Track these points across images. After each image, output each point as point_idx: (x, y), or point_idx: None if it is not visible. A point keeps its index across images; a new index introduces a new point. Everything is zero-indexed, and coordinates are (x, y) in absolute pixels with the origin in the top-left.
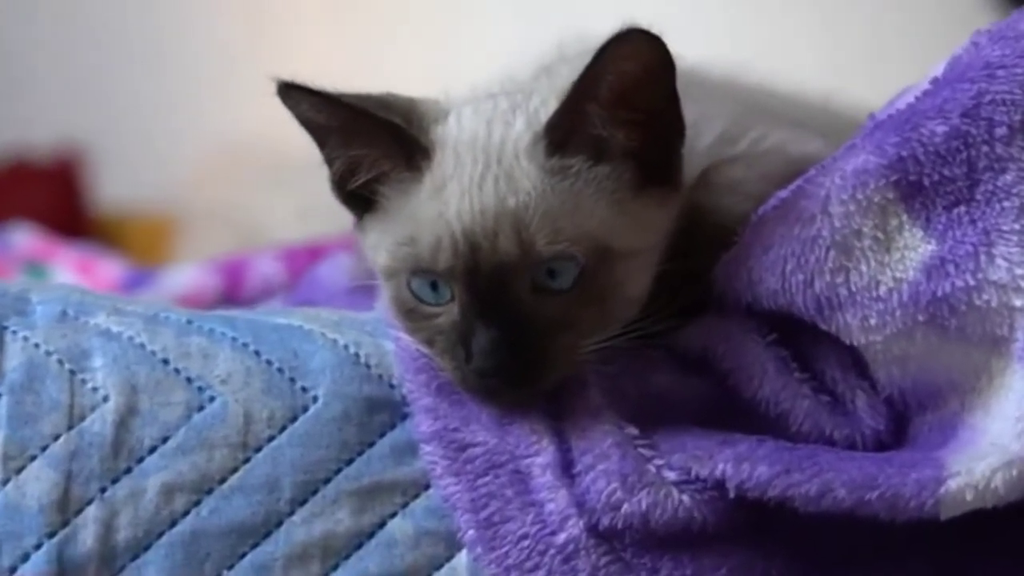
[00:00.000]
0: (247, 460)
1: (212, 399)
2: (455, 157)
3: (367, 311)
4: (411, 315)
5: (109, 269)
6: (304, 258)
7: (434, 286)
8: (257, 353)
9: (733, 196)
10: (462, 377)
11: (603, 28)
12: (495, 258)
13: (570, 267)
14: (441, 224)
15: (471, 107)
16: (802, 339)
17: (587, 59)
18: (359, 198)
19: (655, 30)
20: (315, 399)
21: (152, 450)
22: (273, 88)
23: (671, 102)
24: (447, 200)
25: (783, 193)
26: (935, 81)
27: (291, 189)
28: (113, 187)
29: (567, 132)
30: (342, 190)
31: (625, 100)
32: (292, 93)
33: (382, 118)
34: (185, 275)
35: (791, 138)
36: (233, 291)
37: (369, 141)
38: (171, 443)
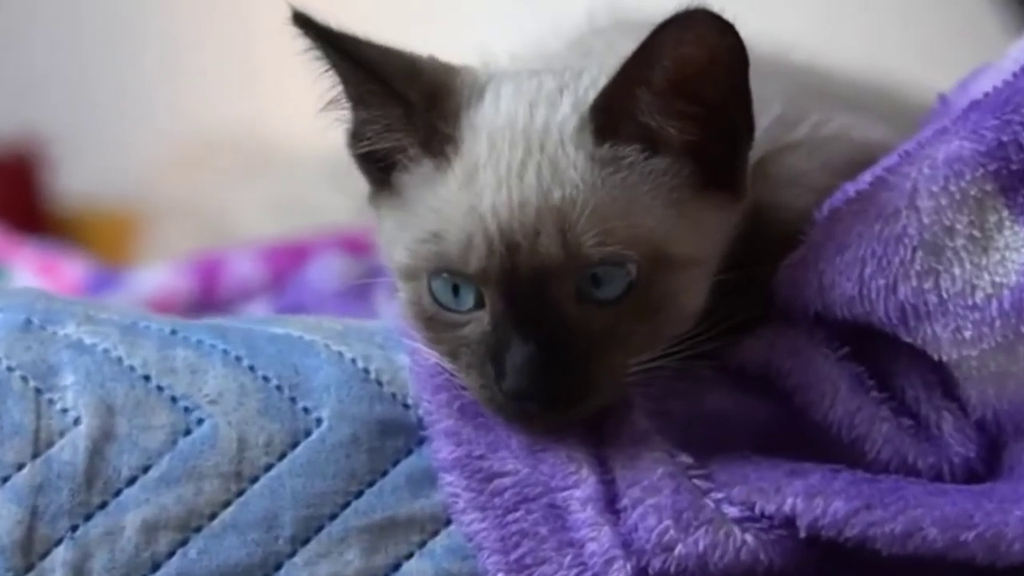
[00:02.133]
0: (241, 492)
1: (200, 422)
2: (490, 142)
3: (364, 319)
4: (432, 323)
5: (72, 270)
6: (287, 258)
7: (460, 290)
8: (252, 368)
9: (794, 189)
10: (491, 398)
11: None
12: (535, 260)
13: (620, 274)
14: (473, 219)
15: (512, 84)
16: (879, 353)
17: (629, 33)
18: (376, 163)
19: (727, 14)
20: (319, 422)
21: (131, 481)
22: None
23: (740, 97)
24: (480, 191)
25: (859, 185)
26: None
27: (265, 182)
28: (73, 181)
29: (615, 117)
30: (354, 148)
31: (683, 90)
32: (306, 30)
33: (394, 89)
34: (155, 276)
35: (853, 123)
36: (208, 293)
37: (379, 106)
38: (153, 473)
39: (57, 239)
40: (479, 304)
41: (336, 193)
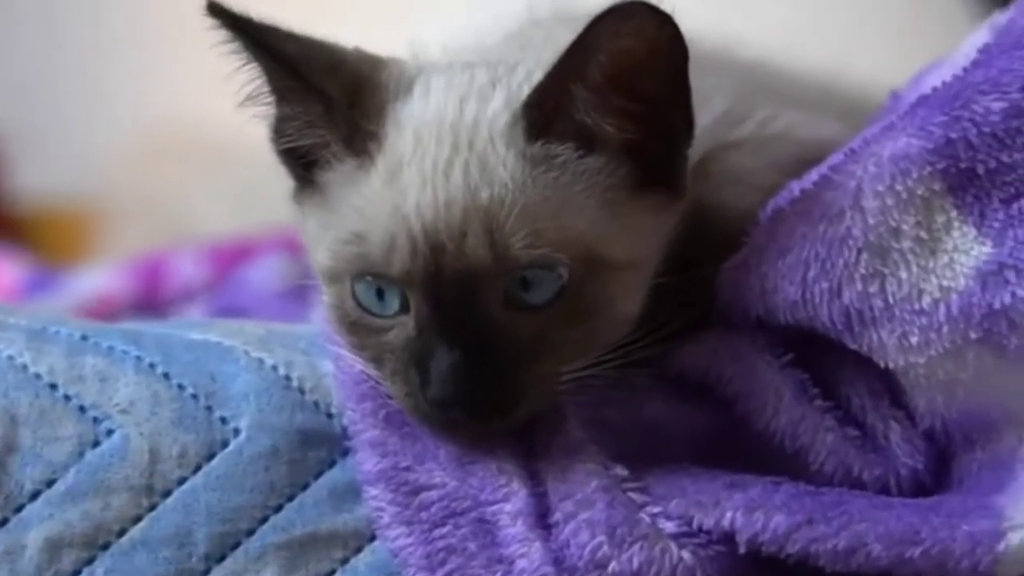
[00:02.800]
0: (153, 507)
1: (110, 432)
2: (416, 138)
3: (302, 322)
4: (355, 328)
5: (9, 271)
6: (231, 257)
7: (384, 294)
8: (166, 376)
9: (738, 188)
10: (416, 406)
11: None
12: (462, 263)
13: (551, 278)
14: (396, 219)
15: (443, 77)
16: (824, 360)
17: (570, 25)
18: (299, 160)
19: (665, 5)
20: (236, 432)
21: (35, 496)
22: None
23: (678, 93)
24: (404, 190)
25: (803, 184)
26: (986, 49)
27: (226, 177)
28: (24, 177)
29: (549, 114)
30: (277, 143)
31: (620, 85)
32: (219, 19)
33: (314, 84)
34: (96, 277)
35: (803, 120)
36: (150, 295)
37: (299, 102)
38: (58, 487)
39: (10, 239)
40: (404, 308)
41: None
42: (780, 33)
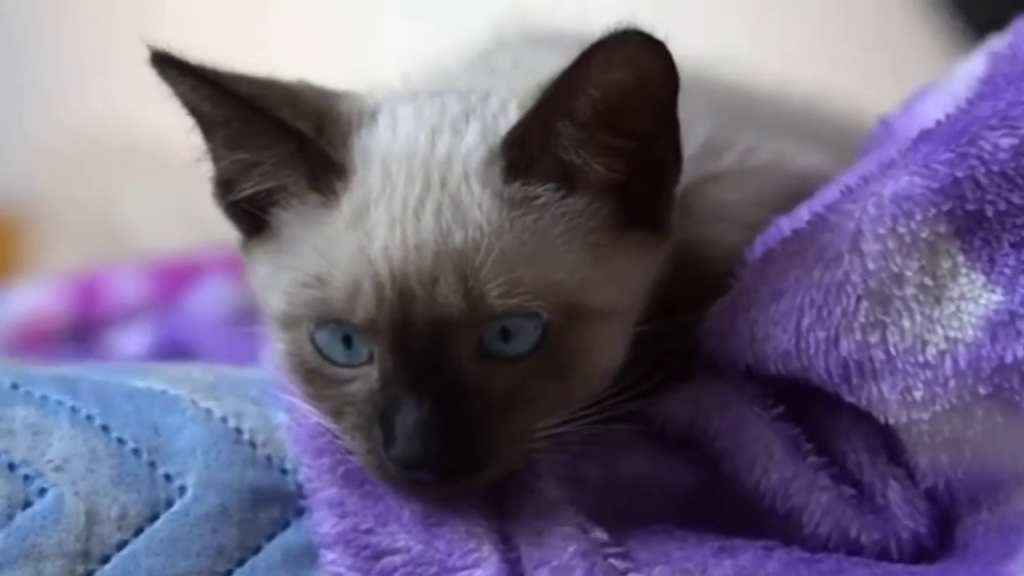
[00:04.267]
0: (89, 575)
1: (43, 492)
2: (384, 174)
3: (252, 359)
4: (313, 378)
5: None
6: (174, 278)
7: (347, 341)
8: (105, 429)
9: (721, 225)
10: (379, 464)
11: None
12: (432, 311)
13: (528, 328)
14: (362, 262)
15: (410, 108)
16: (817, 412)
17: (540, 47)
18: (247, 212)
19: (657, 33)
20: (182, 490)
21: None
22: (146, 59)
23: (668, 127)
24: (371, 231)
25: (794, 223)
26: (991, 79)
27: (163, 186)
28: None
29: (530, 153)
30: (224, 198)
31: (609, 121)
32: (169, 70)
33: (284, 122)
34: (26, 296)
35: (786, 150)
36: (86, 315)
37: (265, 145)
38: None
39: None
40: (369, 358)
41: None
42: (729, 48)
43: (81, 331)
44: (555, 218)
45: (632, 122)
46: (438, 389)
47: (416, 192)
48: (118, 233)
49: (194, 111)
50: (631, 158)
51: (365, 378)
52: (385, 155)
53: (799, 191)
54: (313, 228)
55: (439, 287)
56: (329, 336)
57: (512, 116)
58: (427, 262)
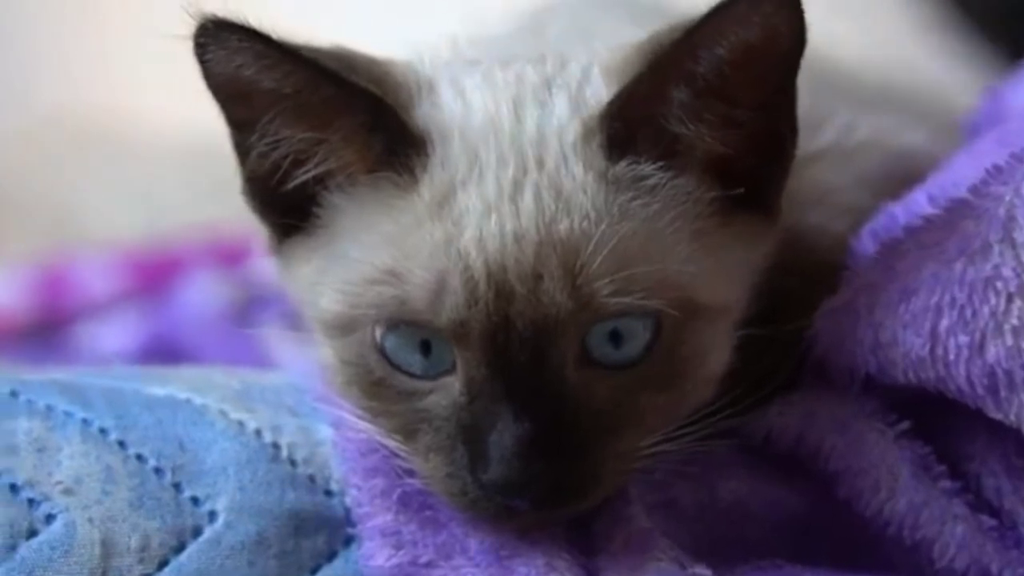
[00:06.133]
0: None
1: (50, 518)
2: (469, 152)
3: (252, 359)
4: (378, 391)
5: None
6: (152, 270)
7: (425, 347)
8: (122, 444)
9: (825, 211)
10: (462, 490)
11: None
12: (536, 312)
13: (638, 330)
14: (449, 254)
15: (476, 77)
16: (947, 429)
17: (613, 8)
18: (289, 206)
19: None
20: (212, 516)
21: None
22: (193, 29)
23: (788, 97)
24: (460, 218)
25: (920, 207)
26: None
27: (121, 174)
28: None
29: (635, 125)
30: (266, 191)
31: (732, 87)
32: (224, 38)
33: (363, 89)
34: None
35: (889, 126)
36: (52, 309)
37: (333, 118)
38: None
39: None
40: (451, 367)
41: (201, 188)
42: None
43: (46, 326)
44: (665, 202)
45: (756, 89)
46: (539, 403)
47: (510, 173)
48: (73, 220)
49: (239, 90)
50: (748, 131)
51: (446, 390)
52: (465, 129)
53: (905, 172)
54: (382, 215)
55: (543, 284)
56: (401, 341)
57: (598, 84)
58: (529, 255)
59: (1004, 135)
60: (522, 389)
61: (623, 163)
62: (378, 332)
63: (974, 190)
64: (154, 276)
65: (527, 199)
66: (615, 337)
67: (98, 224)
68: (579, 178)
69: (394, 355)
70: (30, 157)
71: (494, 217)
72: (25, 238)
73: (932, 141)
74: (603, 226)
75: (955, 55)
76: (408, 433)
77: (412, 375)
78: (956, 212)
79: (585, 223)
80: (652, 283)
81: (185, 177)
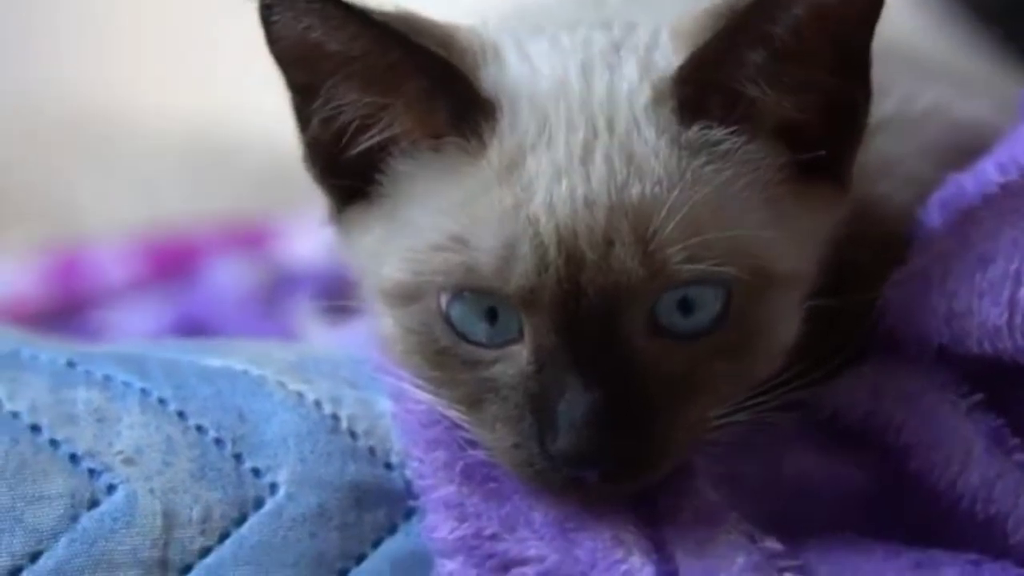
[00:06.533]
0: None
1: (112, 489)
2: (538, 116)
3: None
4: (443, 360)
5: None
6: (170, 256)
7: (491, 315)
8: (182, 415)
9: (891, 181)
10: (527, 461)
11: None
12: (607, 278)
13: (710, 299)
14: (519, 220)
15: (543, 42)
16: (1022, 401)
17: None
18: (352, 173)
19: None
20: (274, 488)
21: (15, 574)
22: None
23: (862, 60)
24: (529, 183)
25: (996, 175)
26: None
27: (123, 162)
28: None
29: (708, 89)
30: (328, 157)
31: (809, 49)
32: (291, 1)
33: (431, 52)
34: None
35: (952, 96)
36: (68, 297)
37: (395, 84)
38: (45, 562)
39: None
40: (518, 334)
41: (199, 178)
42: None
43: (63, 312)
44: (737, 168)
45: (833, 51)
46: (609, 372)
47: (580, 138)
48: (71, 212)
49: (313, 50)
50: (824, 95)
51: (513, 359)
52: (533, 94)
53: (969, 142)
54: (449, 181)
55: (614, 250)
56: (467, 309)
57: (667, 49)
58: (600, 220)
59: None
60: (592, 358)
61: (695, 127)
62: (444, 300)
63: None
64: (171, 262)
65: (598, 163)
66: (686, 306)
67: (96, 216)
68: (651, 143)
69: (460, 323)
70: (27, 149)
71: (564, 182)
72: (25, 230)
73: (997, 113)
74: (675, 191)
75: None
76: (473, 403)
77: (478, 344)
78: None
79: (657, 188)
80: (724, 250)
81: (183, 167)
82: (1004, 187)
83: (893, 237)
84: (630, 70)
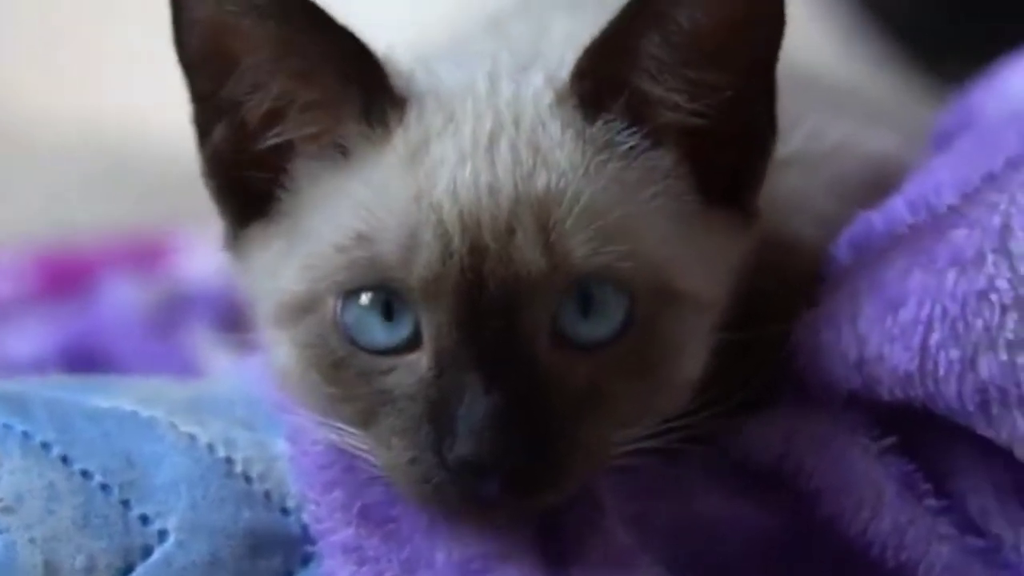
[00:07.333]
0: None
1: None
2: (444, 110)
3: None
4: (338, 374)
5: None
6: (63, 273)
7: (387, 310)
8: (65, 460)
9: (799, 217)
10: (424, 476)
11: None
12: (508, 269)
13: (612, 304)
14: (422, 208)
15: (448, 63)
16: (934, 445)
17: (564, 12)
18: (251, 190)
19: None
20: (163, 535)
21: None
22: None
23: (765, 81)
24: (433, 170)
25: (906, 214)
26: None
27: (33, 169)
28: None
29: (606, 81)
30: (230, 168)
31: (704, 46)
32: None
33: (354, 36)
34: None
35: (859, 131)
36: None
37: (311, 68)
38: None
39: None
40: (415, 341)
41: (102, 187)
42: None
43: None
44: (643, 173)
45: (729, 54)
46: (511, 375)
47: (487, 128)
48: None
49: (227, 31)
50: (721, 100)
51: (410, 367)
52: (441, 92)
53: (876, 178)
54: (355, 179)
55: (516, 239)
56: (363, 312)
57: (571, 65)
58: (503, 208)
59: (981, 140)
60: (493, 358)
61: (599, 123)
62: (338, 306)
63: (966, 198)
64: (64, 278)
65: (503, 152)
66: (587, 305)
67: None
68: (555, 136)
69: (355, 329)
70: None
71: (469, 167)
72: None
73: (903, 147)
74: (579, 183)
75: (872, 62)
76: (368, 418)
77: (374, 351)
78: (946, 220)
79: (562, 181)
80: (627, 251)
81: (85, 176)
82: (914, 228)
83: (805, 275)
84: (536, 79)
